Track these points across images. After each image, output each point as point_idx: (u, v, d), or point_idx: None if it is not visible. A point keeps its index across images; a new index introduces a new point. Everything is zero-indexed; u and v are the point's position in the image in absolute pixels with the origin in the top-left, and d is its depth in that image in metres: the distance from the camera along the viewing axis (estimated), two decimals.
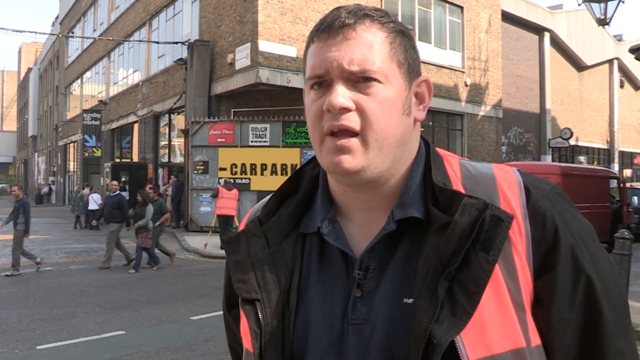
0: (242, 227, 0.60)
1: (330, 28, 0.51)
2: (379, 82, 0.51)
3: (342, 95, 0.50)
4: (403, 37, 0.53)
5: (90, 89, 21.75)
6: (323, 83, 0.52)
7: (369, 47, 0.51)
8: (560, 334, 0.49)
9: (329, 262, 0.55)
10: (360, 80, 0.51)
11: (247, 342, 0.55)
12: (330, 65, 0.51)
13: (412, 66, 0.54)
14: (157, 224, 7.14)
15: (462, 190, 0.52)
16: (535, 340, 0.48)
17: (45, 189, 26.72)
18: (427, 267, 0.48)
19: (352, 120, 0.50)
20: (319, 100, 0.52)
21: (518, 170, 0.55)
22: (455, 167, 0.55)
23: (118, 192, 7.55)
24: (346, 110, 0.50)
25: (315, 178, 0.59)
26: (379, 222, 0.54)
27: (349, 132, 0.51)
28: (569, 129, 16.78)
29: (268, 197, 0.61)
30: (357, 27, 0.51)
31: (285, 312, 0.54)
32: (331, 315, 0.52)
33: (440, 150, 0.58)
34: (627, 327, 0.52)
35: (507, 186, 0.52)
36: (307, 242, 0.57)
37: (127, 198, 14.66)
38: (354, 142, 0.50)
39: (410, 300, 0.49)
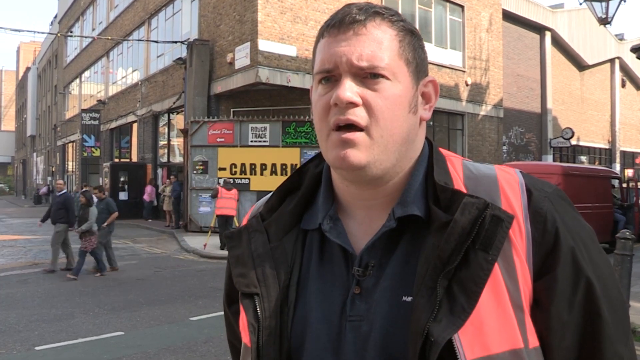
0: (244, 222, 0.61)
1: (340, 23, 0.52)
2: (387, 78, 0.51)
3: (349, 89, 0.50)
4: (412, 36, 0.54)
5: (89, 89, 21.71)
6: (331, 78, 0.52)
7: (379, 44, 0.51)
8: (559, 336, 0.49)
9: (329, 259, 0.55)
10: (368, 77, 0.51)
11: (246, 337, 0.55)
12: (340, 59, 0.51)
13: (420, 66, 0.54)
14: (106, 224, 6.74)
15: (464, 190, 0.52)
16: (534, 341, 0.48)
17: (43, 189, 26.66)
18: (426, 266, 0.48)
19: (358, 115, 0.50)
20: (326, 94, 0.52)
21: (520, 171, 0.55)
22: (457, 167, 0.55)
23: (64, 191, 7.13)
24: (353, 105, 0.50)
25: (317, 175, 0.60)
26: (380, 220, 0.54)
27: (355, 127, 0.51)
28: (570, 129, 16.75)
29: (271, 194, 0.61)
30: (368, 24, 0.51)
31: (284, 308, 0.54)
32: (329, 311, 0.52)
33: (443, 151, 0.57)
34: (626, 331, 0.51)
35: (509, 187, 0.52)
36: (308, 238, 0.57)
37: (126, 198, 14.81)
38: (359, 135, 0.50)
39: (409, 298, 0.49)
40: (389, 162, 0.52)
